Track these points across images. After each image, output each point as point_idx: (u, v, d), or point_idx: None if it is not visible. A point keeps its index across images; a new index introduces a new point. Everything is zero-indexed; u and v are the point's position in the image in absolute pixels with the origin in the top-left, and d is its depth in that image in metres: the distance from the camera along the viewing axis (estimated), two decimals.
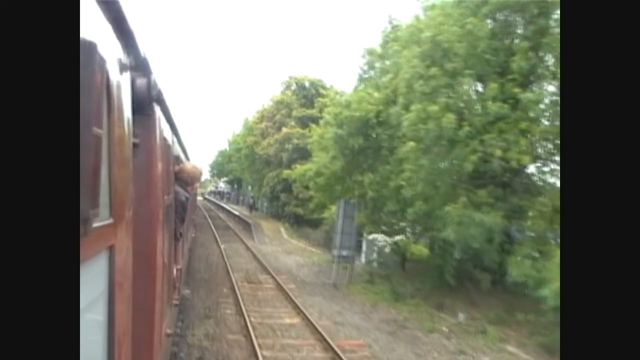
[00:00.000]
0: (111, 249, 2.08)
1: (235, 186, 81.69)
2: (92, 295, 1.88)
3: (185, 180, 5.69)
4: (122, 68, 2.37)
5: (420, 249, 23.22)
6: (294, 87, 42.11)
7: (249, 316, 14.27)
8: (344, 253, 21.66)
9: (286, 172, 29.95)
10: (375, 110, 19.52)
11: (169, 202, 4.54)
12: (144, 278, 3.26)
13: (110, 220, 2.02)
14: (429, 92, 14.65)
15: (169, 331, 5.04)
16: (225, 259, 25.52)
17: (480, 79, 15.56)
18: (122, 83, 2.30)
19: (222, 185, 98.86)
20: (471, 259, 17.69)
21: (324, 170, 23.08)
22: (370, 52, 23.50)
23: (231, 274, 21.10)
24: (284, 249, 32.82)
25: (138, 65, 2.83)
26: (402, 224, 19.83)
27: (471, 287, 18.55)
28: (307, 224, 38.37)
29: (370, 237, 20.78)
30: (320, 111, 38.79)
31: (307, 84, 41.11)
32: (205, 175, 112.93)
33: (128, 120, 2.42)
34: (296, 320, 14.77)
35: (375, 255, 24.33)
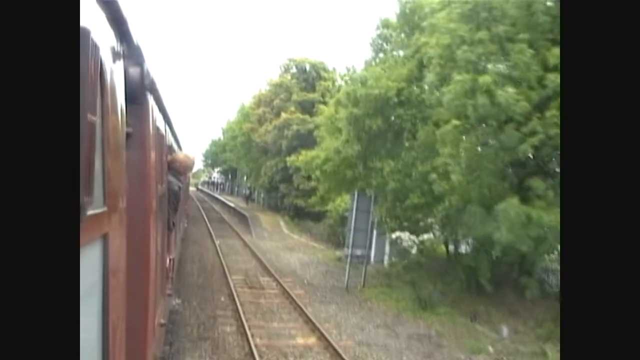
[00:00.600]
0: (105, 237, 2.06)
1: (230, 176, 78.74)
2: (86, 283, 1.80)
3: (177, 169, 5.62)
4: (115, 56, 2.33)
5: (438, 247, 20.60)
6: (293, 70, 39.09)
7: (252, 335, 11.57)
8: (358, 252, 18.99)
9: (290, 159, 27.17)
10: (396, 88, 16.73)
11: (162, 192, 4.52)
12: (138, 267, 3.16)
13: (104, 209, 2.00)
14: (476, 60, 11.89)
15: (162, 321, 4.96)
16: (221, 257, 22.82)
17: (531, 45, 12.79)
18: (115, 71, 2.27)
19: (215, 175, 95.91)
20: (513, 261, 15.06)
21: (333, 157, 20.27)
22: (386, 24, 20.69)
23: (228, 276, 18.39)
24: (284, 244, 30.14)
25: (131, 54, 2.81)
26: (430, 220, 17.08)
27: (509, 293, 15.95)
28: (308, 217, 35.69)
29: (394, 235, 17.99)
30: (323, 95, 36.18)
31: (307, 67, 38.09)
32: (199, 165, 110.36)
33: (121, 109, 2.41)
34: (311, 340, 12.09)
35: (387, 257, 21.75)
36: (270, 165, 38.21)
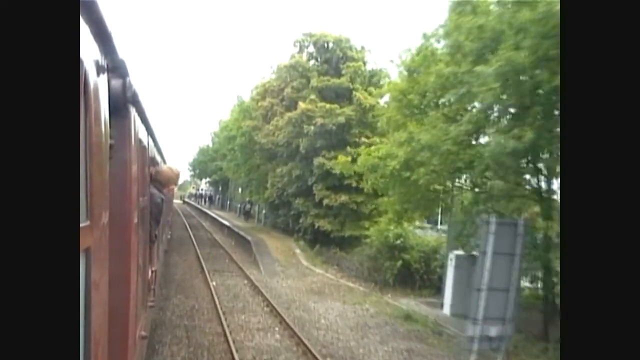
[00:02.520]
0: (87, 252, 2.07)
1: (220, 188, 69.34)
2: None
3: (160, 181, 5.64)
4: (99, 70, 2.36)
5: None
6: (310, 48, 30.26)
7: None
8: (492, 332, 10.03)
9: (341, 159, 18.25)
10: None
11: (144, 204, 4.57)
12: (119, 280, 3.19)
13: (87, 223, 2.02)
14: None
15: (143, 333, 4.88)
16: (223, 320, 13.79)
17: None
18: (99, 85, 2.30)
19: (203, 187, 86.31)
20: None
21: (422, 157, 11.43)
22: None
23: None
24: (309, 285, 21.15)
25: (114, 67, 2.83)
26: None
27: None
28: (331, 243, 26.69)
29: None
30: (352, 81, 27.32)
31: (330, 44, 29.31)
32: (185, 176, 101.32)
33: (105, 122, 2.44)
34: None
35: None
36: (280, 173, 29.08)
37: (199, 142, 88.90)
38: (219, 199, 71.05)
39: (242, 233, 31.93)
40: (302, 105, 26.05)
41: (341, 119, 24.88)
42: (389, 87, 15.79)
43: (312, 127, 25.32)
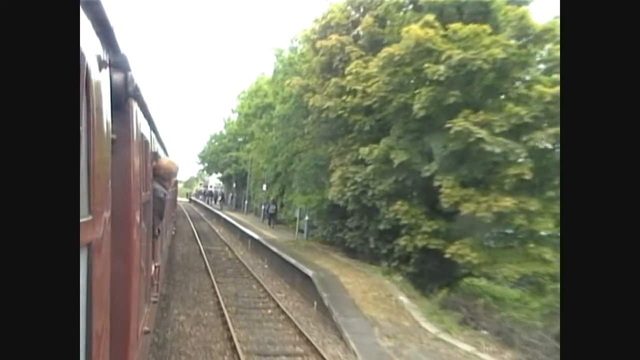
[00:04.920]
0: (89, 246, 2.06)
1: (235, 185, 57.33)
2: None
3: (162, 176, 5.59)
4: (101, 64, 2.35)
5: None
6: None
7: None
8: None
9: None
10: None
11: (146, 199, 4.56)
12: (121, 276, 3.18)
13: (89, 217, 2.01)
14: None
15: (146, 328, 4.87)
16: None
17: None
18: (100, 79, 2.30)
19: (214, 183, 74.41)
20: None
21: None
22: None
23: None
24: None
25: (116, 62, 2.83)
26: None
27: None
28: (442, 276, 14.75)
29: None
30: None
31: None
32: (192, 171, 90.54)
33: (106, 117, 2.43)
34: None
35: None
36: (363, 155, 16.84)
37: (210, 132, 76.78)
38: (232, 197, 59.17)
39: (282, 254, 20.02)
40: (415, 29, 14.08)
41: (498, 52, 12.98)
42: None
43: (441, 68, 13.35)
